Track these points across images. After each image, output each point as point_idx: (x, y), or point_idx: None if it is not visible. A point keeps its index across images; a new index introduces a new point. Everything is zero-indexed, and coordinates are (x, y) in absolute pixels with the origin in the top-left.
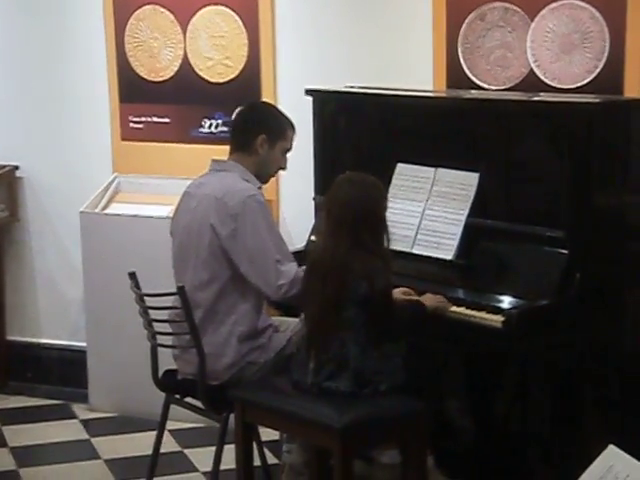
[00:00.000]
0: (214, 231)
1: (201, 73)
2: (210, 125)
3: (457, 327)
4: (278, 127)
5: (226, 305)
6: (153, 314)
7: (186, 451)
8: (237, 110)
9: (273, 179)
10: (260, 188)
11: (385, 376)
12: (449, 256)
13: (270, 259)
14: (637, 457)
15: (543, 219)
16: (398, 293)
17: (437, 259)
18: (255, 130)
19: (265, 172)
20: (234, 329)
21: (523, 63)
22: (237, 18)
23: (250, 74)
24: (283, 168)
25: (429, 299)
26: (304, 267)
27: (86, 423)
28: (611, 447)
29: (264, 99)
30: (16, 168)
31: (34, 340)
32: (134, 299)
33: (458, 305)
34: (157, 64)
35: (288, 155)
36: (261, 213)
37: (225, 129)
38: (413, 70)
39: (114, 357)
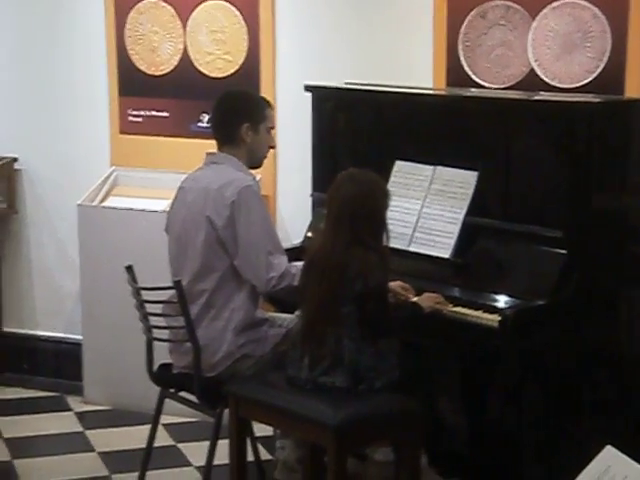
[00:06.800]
0: (211, 223)
1: (201, 67)
2: (209, 120)
3: (453, 326)
4: (256, 111)
5: (223, 297)
6: (149, 308)
7: (180, 445)
8: (213, 105)
9: (270, 175)
10: (255, 179)
11: (380, 373)
12: (446, 254)
13: (262, 251)
14: (634, 458)
15: (541, 219)
16: (396, 286)
17: (434, 257)
18: (236, 121)
19: (258, 157)
20: (230, 322)
21: (524, 62)
22: (237, 13)
23: (249, 69)
24: (273, 147)
25: (427, 299)
26: (300, 263)
27: (80, 416)
28: (608, 448)
29: (263, 94)
30: (15, 160)
31: (30, 332)
32: (130, 293)
33: (454, 304)
34: (157, 58)
35: (273, 132)
36: (256, 203)
37: None
38: (413, 67)
39: (109, 350)
